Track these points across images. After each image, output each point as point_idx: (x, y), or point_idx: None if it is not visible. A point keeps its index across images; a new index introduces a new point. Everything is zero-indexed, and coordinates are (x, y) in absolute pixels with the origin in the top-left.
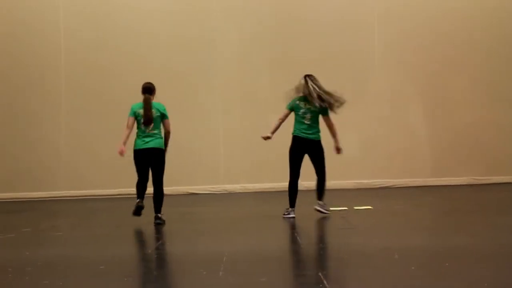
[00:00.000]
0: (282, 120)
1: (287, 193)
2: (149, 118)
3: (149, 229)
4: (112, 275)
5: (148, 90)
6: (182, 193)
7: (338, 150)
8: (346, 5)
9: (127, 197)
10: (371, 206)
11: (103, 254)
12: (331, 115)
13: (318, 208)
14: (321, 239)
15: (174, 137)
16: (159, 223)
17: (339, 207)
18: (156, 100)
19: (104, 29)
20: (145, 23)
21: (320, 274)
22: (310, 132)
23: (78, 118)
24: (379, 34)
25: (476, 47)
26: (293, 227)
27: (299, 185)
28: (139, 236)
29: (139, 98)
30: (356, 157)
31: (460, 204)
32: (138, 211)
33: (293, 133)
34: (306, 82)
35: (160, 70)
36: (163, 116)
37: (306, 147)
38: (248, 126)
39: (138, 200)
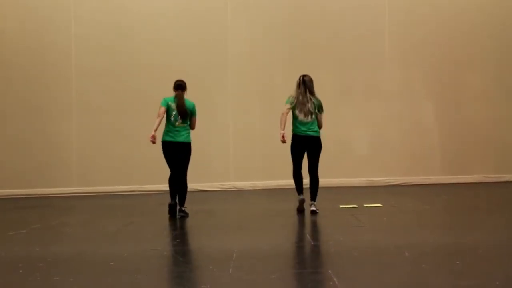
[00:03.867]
0: (287, 113)
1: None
2: (185, 112)
3: (160, 226)
4: (122, 272)
5: (181, 86)
6: (192, 190)
7: None
8: (355, 1)
9: (140, 194)
10: (381, 204)
11: (113, 250)
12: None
13: (314, 209)
14: (331, 237)
15: None
16: (182, 216)
17: (350, 204)
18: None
19: (115, 28)
20: (157, 22)
21: (330, 271)
22: (308, 129)
23: (90, 116)
24: (390, 31)
25: (490, 45)
26: (303, 225)
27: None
28: (150, 233)
29: (151, 95)
30: (367, 155)
31: (471, 202)
32: (171, 210)
33: (292, 131)
34: (297, 86)
35: (171, 69)
36: (191, 114)
37: (306, 144)
38: (258, 123)
39: (171, 201)
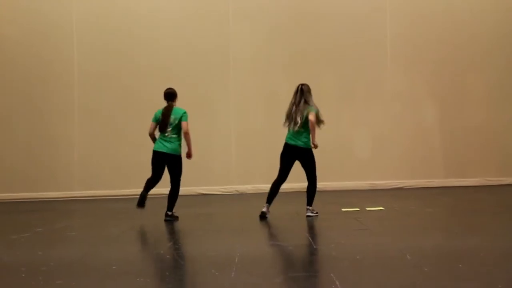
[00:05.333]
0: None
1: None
2: (165, 124)
3: (162, 230)
4: (125, 275)
5: (170, 96)
6: (194, 193)
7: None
8: (357, 4)
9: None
10: (383, 207)
11: (116, 254)
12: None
13: (309, 214)
14: (333, 240)
15: None
16: (168, 220)
17: (352, 208)
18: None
19: (116, 33)
20: (159, 26)
21: (332, 275)
22: (298, 139)
23: (93, 119)
24: (392, 33)
25: (492, 48)
26: (305, 228)
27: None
28: (152, 236)
29: (153, 99)
30: (369, 158)
31: (473, 205)
32: (141, 200)
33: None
34: (294, 94)
35: (173, 73)
36: (180, 119)
37: (294, 154)
38: (260, 127)
39: (142, 190)
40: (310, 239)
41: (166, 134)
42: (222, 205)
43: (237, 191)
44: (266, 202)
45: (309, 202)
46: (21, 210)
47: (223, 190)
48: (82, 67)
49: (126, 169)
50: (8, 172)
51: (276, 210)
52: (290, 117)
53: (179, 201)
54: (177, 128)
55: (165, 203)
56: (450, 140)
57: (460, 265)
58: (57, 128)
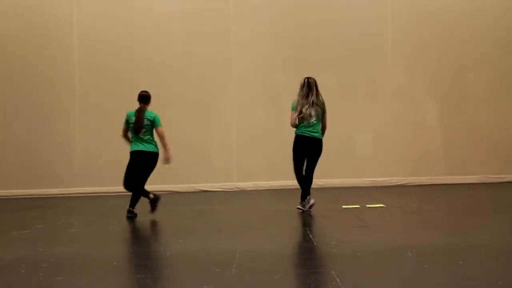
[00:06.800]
0: (295, 120)
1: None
2: (139, 126)
3: (162, 226)
4: (125, 272)
5: (144, 98)
6: (194, 190)
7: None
8: (358, 2)
9: None
10: (383, 204)
11: (116, 251)
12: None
13: (311, 203)
14: (334, 237)
15: (188, 134)
16: (129, 217)
17: (353, 205)
18: (170, 99)
19: (117, 30)
20: (159, 24)
21: (333, 272)
22: (311, 130)
23: (93, 116)
24: (393, 30)
25: (493, 46)
26: (305, 225)
27: (312, 183)
28: (152, 233)
29: (154, 96)
30: (370, 155)
31: (474, 203)
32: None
33: (295, 132)
34: (301, 87)
35: (174, 70)
36: (153, 123)
37: (307, 144)
38: (261, 124)
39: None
40: (311, 236)
41: (141, 136)
42: (222, 202)
43: (238, 188)
44: (301, 200)
45: (305, 195)
46: (22, 207)
47: (223, 187)
48: (83, 64)
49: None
50: (9, 169)
51: (276, 207)
52: (303, 110)
53: (179, 198)
54: (151, 131)
55: (166, 199)
56: (451, 138)
57: (461, 262)
58: (58, 124)
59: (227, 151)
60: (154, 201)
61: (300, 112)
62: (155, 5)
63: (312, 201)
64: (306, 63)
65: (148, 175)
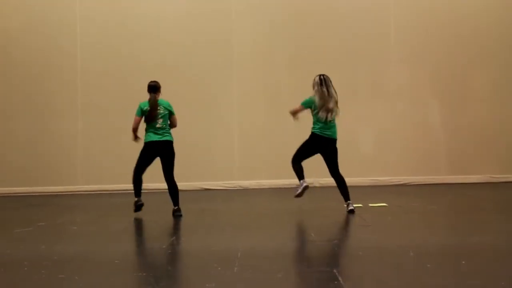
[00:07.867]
0: (300, 111)
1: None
2: (154, 115)
3: (164, 225)
4: (127, 270)
5: (154, 88)
6: (196, 188)
7: None
8: (361, 3)
9: (145, 192)
10: (386, 204)
11: (118, 249)
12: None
13: (351, 208)
14: (336, 236)
15: (190, 133)
16: (179, 215)
17: (355, 204)
18: (172, 99)
19: (120, 29)
20: (160, 24)
21: (335, 270)
22: (332, 130)
23: (95, 115)
24: (396, 29)
25: (496, 45)
26: (307, 224)
27: (314, 182)
28: (154, 231)
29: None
30: (372, 154)
31: (476, 202)
32: (139, 209)
33: (312, 129)
34: (319, 85)
35: (176, 70)
36: (170, 113)
37: (322, 146)
38: (263, 122)
39: (137, 199)
40: (313, 235)
41: (157, 126)
42: (225, 200)
43: (240, 186)
44: (299, 179)
45: (346, 197)
46: (24, 205)
47: (226, 185)
48: (85, 63)
49: (129, 163)
50: (12, 167)
51: (278, 205)
52: (324, 107)
53: (182, 196)
54: (167, 119)
55: (168, 197)
56: (454, 137)
57: (463, 262)
58: (60, 123)
59: (229, 150)
60: (137, 202)
61: (326, 108)
62: (156, 5)
63: (351, 207)
64: (307, 62)
65: (173, 165)
